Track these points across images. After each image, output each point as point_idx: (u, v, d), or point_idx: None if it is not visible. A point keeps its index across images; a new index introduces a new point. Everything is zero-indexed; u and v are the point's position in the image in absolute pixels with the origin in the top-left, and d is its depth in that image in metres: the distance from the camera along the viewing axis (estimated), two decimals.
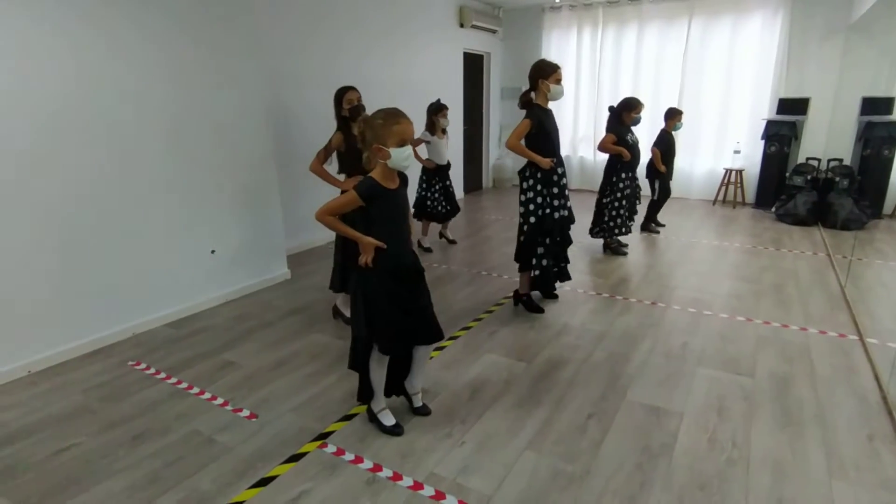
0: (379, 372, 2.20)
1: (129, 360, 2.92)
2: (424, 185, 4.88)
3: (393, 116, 1.92)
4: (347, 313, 3.36)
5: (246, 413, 2.40)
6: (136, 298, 3.22)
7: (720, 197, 6.89)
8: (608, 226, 4.73)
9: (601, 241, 4.99)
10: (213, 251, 3.66)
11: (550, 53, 7.75)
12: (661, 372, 2.72)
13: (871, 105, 5.80)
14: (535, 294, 3.69)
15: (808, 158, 6.20)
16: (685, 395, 2.51)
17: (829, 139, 6.16)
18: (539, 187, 3.28)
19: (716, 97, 6.75)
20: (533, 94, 3.28)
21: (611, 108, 4.76)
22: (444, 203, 4.92)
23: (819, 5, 6.00)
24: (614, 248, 4.86)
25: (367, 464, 2.05)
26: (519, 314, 3.50)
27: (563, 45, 7.67)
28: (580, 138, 7.89)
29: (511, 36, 8.04)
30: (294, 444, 2.18)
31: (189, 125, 3.37)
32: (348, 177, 3.20)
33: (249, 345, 3.10)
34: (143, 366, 2.85)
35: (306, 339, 3.16)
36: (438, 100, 4.73)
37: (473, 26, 7.06)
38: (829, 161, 6.06)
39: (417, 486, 1.92)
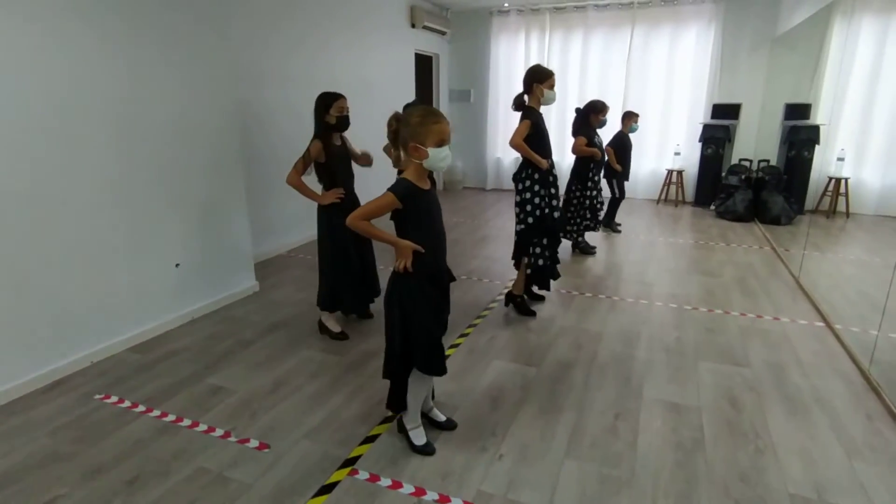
0: (422, 388, 2.07)
1: (95, 392, 2.55)
2: None
3: (432, 115, 1.81)
4: (335, 329, 3.16)
5: (255, 444, 2.17)
6: (92, 322, 2.83)
7: (663, 196, 7.29)
8: (580, 226, 4.84)
9: (568, 241, 5.09)
10: (177, 265, 3.31)
11: (499, 57, 7.85)
12: (667, 368, 2.79)
13: (793, 110, 6.38)
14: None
15: (740, 159, 6.71)
16: (696, 389, 2.59)
17: (758, 141, 6.70)
18: (537, 188, 3.27)
19: (658, 102, 7.14)
20: (526, 98, 3.28)
21: (578, 111, 4.88)
22: None
23: (747, 19, 6.52)
24: (583, 248, 4.98)
25: (408, 488, 1.91)
26: (511, 318, 3.47)
27: (511, 49, 7.78)
28: None
29: (459, 38, 8.04)
30: (320, 474, 1.99)
31: (147, 128, 3.02)
32: (326, 189, 3.00)
33: (235, 366, 2.82)
34: (113, 398, 2.50)
35: (297, 357, 2.93)
36: (413, 101, 4.62)
37: (425, 27, 6.98)
38: (759, 162, 6.60)
39: None
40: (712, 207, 6.70)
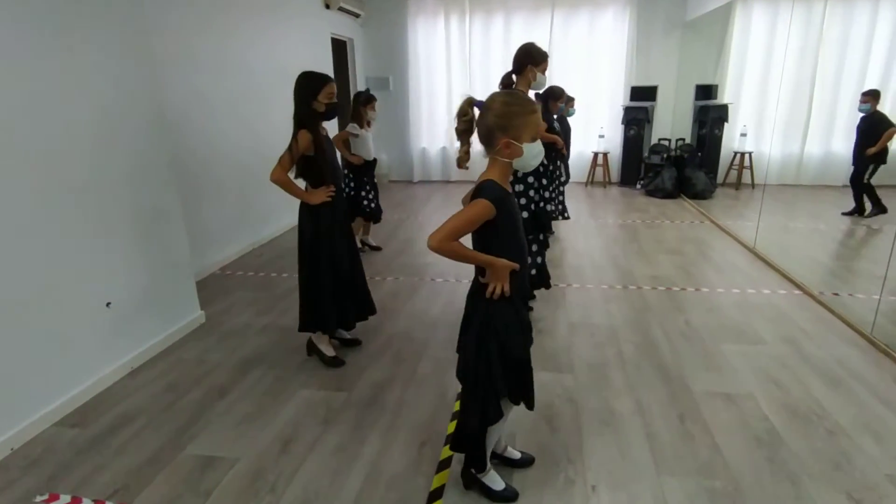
0: (501, 427, 1.72)
1: (34, 492, 1.86)
2: (354, 184, 4.27)
3: (529, 103, 1.46)
4: (330, 352, 2.69)
5: None
6: (3, 394, 2.08)
7: (590, 178, 7.47)
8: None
9: None
10: (108, 304, 2.58)
11: (417, 40, 7.48)
12: (695, 355, 2.72)
13: (703, 91, 6.83)
14: None
15: (659, 139, 7.06)
16: (734, 374, 2.53)
17: (674, 121, 7.09)
18: (531, 180, 3.02)
19: (580, 86, 7.24)
20: (514, 79, 3.00)
21: (536, 97, 4.71)
22: (377, 202, 4.39)
23: (659, 4, 6.82)
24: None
25: None
26: None
27: (430, 33, 7.45)
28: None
29: (373, 21, 7.52)
30: None
31: (56, 136, 2.28)
32: (313, 186, 2.52)
33: (218, 426, 2.24)
34: (65, 499, 1.84)
35: (294, 401, 2.42)
36: (367, 89, 4.17)
37: (340, 8, 6.40)
38: (676, 140, 6.98)
39: None
40: (639, 186, 6.99)
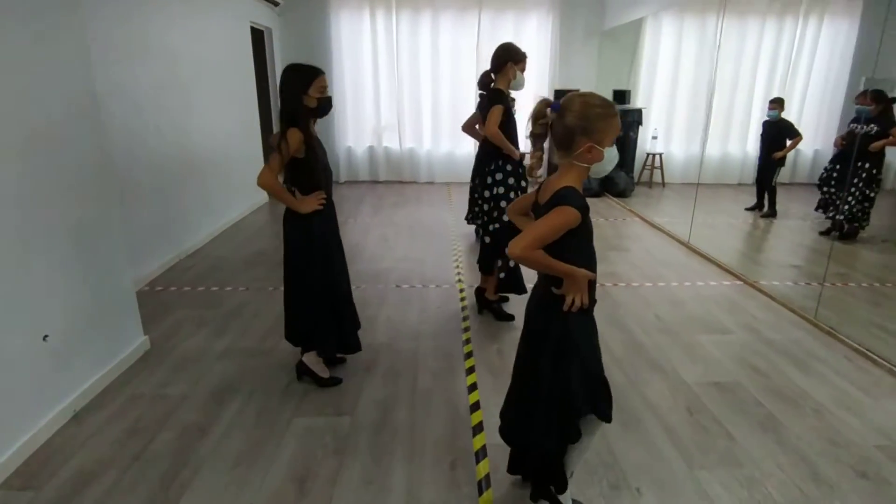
0: (588, 445, 1.65)
1: None
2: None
3: (611, 105, 1.39)
4: (325, 374, 2.46)
5: None
6: None
7: None
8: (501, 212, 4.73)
9: (469, 228, 4.95)
10: (45, 337, 2.12)
11: (341, 35, 7.15)
12: (677, 348, 2.86)
13: (619, 96, 7.28)
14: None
15: None
16: (718, 364, 2.70)
17: None
18: (511, 181, 2.99)
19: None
20: (493, 77, 2.96)
21: (482, 97, 4.69)
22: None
23: (579, 12, 7.14)
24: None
25: None
26: (496, 326, 3.16)
27: (354, 27, 7.15)
28: (384, 127, 7.59)
29: (292, 11, 7.05)
30: None
31: None
32: (303, 192, 2.27)
33: (208, 472, 1.93)
34: None
35: (292, 432, 2.16)
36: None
37: None
38: None
39: None
40: None
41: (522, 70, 2.97)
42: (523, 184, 3.07)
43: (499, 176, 3.00)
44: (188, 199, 4.45)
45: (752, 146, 6.96)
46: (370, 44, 7.18)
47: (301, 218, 2.25)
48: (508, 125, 2.95)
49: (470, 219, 4.79)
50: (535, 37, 7.22)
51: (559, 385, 1.48)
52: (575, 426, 1.51)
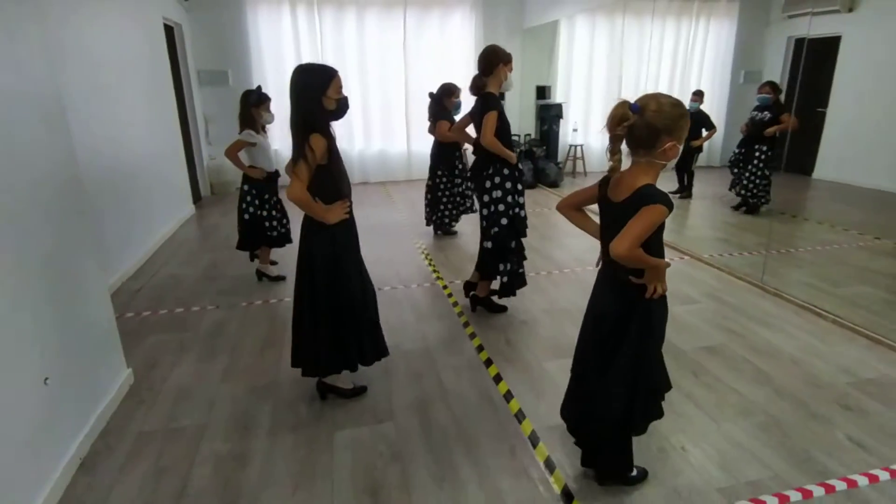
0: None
1: None
2: (257, 202, 3.64)
3: (683, 105, 1.52)
4: (348, 385, 2.39)
5: None
6: None
7: None
8: (453, 213, 4.81)
9: (427, 226, 5.00)
10: (46, 379, 1.85)
11: (259, 31, 6.77)
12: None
13: (541, 91, 7.69)
14: None
15: (511, 135, 7.71)
16: (700, 330, 3.01)
17: (521, 118, 7.81)
18: (508, 185, 2.99)
19: (435, 85, 7.43)
20: (484, 81, 3.00)
21: (431, 95, 4.75)
22: (284, 223, 3.82)
23: (500, 10, 7.40)
24: (445, 229, 4.97)
25: None
26: (486, 315, 3.24)
27: (274, 23, 6.80)
28: None
29: (204, 5, 6.55)
30: None
31: None
32: (325, 201, 2.12)
33: (271, 500, 1.82)
34: None
35: (338, 445, 2.09)
36: (259, 87, 3.65)
37: None
38: (524, 136, 7.72)
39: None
40: None
41: (511, 70, 3.03)
42: (519, 187, 3.06)
43: (497, 180, 2.96)
44: (120, 216, 3.99)
45: None
46: (292, 41, 6.89)
47: (326, 229, 2.14)
48: (503, 129, 2.97)
49: (436, 220, 4.83)
50: (460, 33, 7.37)
51: (644, 368, 1.61)
52: (659, 405, 1.65)
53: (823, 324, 3.07)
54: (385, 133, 7.56)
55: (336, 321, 2.18)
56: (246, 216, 3.62)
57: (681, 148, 1.52)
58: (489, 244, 3.07)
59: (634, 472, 1.83)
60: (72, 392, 2.04)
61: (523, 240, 3.13)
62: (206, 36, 6.68)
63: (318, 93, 2.04)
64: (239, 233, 3.71)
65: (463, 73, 7.48)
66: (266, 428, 2.20)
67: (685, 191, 6.15)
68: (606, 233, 1.64)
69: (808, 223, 5.40)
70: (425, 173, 5.02)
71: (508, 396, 2.41)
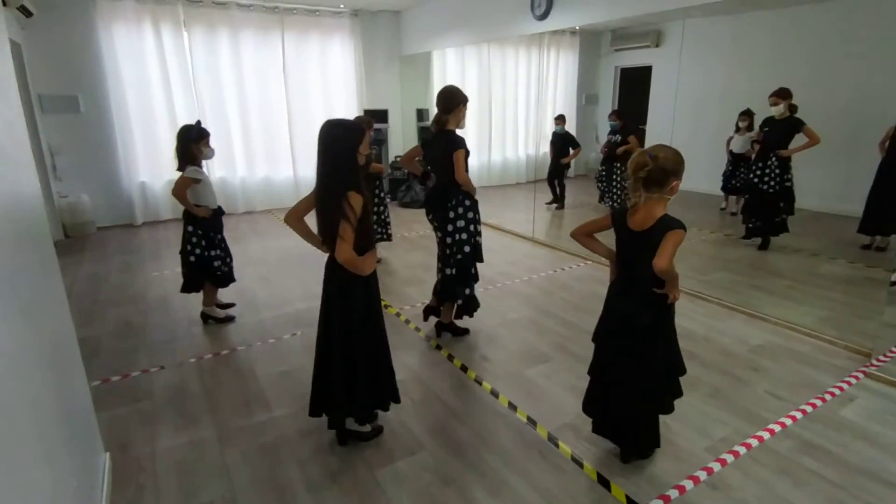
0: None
1: None
2: (203, 242, 3.43)
3: (681, 154, 1.94)
4: (366, 429, 2.43)
5: None
6: None
7: None
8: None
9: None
10: (76, 483, 1.63)
11: (116, 52, 6.03)
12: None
13: (421, 114, 8.08)
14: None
15: (396, 156, 7.96)
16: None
17: (404, 140, 8.09)
18: (471, 215, 3.24)
19: (319, 109, 7.37)
20: (446, 118, 3.19)
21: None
22: (228, 261, 3.64)
23: (378, 37, 7.61)
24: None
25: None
26: (454, 339, 3.47)
27: (134, 43, 6.11)
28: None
29: (45, 24, 5.64)
30: None
31: None
32: (358, 252, 2.12)
33: None
34: None
35: (382, 482, 2.15)
36: (198, 122, 3.40)
37: (21, 8, 4.64)
38: None
39: None
40: (394, 200, 7.73)
41: (466, 109, 3.25)
42: (477, 216, 3.32)
43: (460, 210, 3.18)
44: None
45: (523, 151, 8.66)
46: (157, 62, 6.27)
47: (360, 279, 2.18)
48: (467, 164, 3.21)
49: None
50: (341, 58, 7.42)
51: (671, 359, 2.03)
52: (679, 384, 2.09)
53: (709, 306, 3.90)
54: (269, 159, 7.26)
55: (372, 363, 2.25)
56: (192, 258, 3.43)
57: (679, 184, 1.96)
58: (452, 271, 3.30)
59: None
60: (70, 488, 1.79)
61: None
62: (49, 57, 5.77)
63: (353, 151, 2.08)
64: (183, 276, 3.53)
65: (344, 99, 7.56)
66: (303, 485, 2.16)
67: (559, 202, 7.03)
68: (627, 255, 2.03)
69: None
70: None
71: (512, 407, 2.67)
